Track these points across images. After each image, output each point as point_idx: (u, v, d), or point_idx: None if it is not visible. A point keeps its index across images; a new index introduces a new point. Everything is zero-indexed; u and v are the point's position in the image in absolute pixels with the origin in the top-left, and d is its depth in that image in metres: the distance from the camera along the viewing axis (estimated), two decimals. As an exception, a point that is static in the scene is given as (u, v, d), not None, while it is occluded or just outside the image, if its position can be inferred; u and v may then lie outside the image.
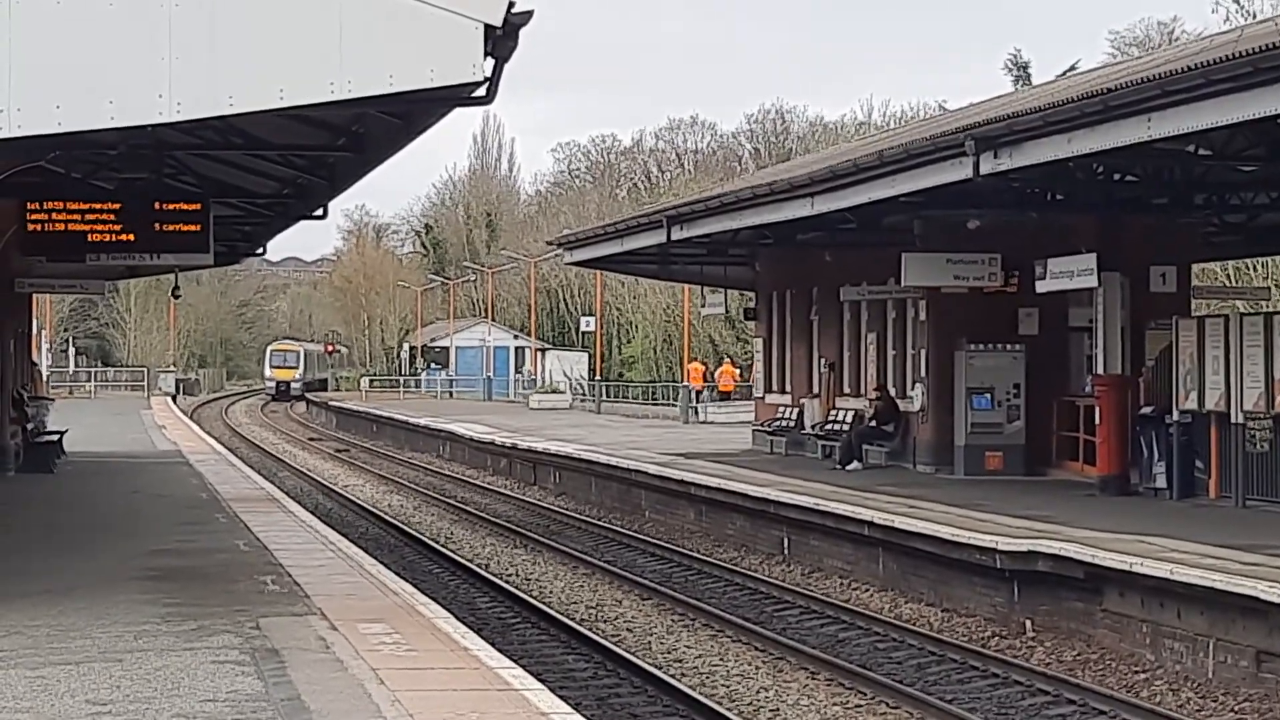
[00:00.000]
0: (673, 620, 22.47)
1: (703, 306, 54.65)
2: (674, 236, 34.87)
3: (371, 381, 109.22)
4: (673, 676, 18.09)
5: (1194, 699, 17.01)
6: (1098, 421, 27.75)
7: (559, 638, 20.79)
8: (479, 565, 27.75)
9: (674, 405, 66.55)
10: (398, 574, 19.13)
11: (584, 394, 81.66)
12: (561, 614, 22.25)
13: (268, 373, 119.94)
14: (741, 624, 21.52)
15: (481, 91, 14.05)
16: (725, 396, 68.19)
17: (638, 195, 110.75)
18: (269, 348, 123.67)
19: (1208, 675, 17.44)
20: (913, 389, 32.91)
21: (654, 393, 76.96)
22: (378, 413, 73.19)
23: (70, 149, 20.38)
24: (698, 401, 66.47)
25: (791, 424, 38.85)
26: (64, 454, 36.74)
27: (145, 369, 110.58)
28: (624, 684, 17.95)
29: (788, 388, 40.22)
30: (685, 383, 68.93)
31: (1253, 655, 16.89)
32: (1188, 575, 17.63)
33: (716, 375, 72.41)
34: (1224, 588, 17.03)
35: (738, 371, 72.72)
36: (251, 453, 57.31)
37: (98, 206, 22.04)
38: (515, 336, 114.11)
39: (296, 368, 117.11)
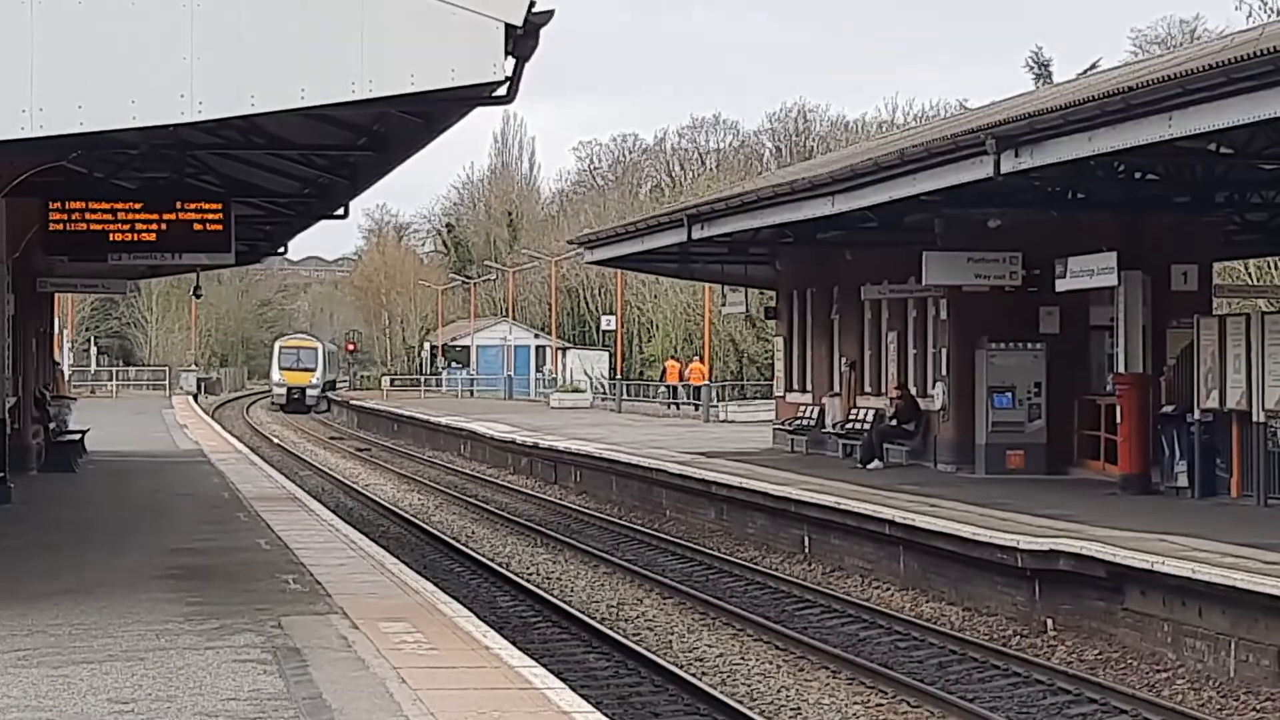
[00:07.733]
0: (694, 619, 22.47)
1: (723, 305, 54.60)
2: (695, 235, 34.85)
3: (393, 380, 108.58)
4: (694, 675, 18.10)
5: (1215, 698, 16.98)
6: (1119, 420, 27.72)
7: (580, 636, 20.80)
8: (500, 564, 27.78)
9: (695, 404, 66.76)
10: (419, 573, 19.13)
11: (605, 393, 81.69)
12: (582, 613, 22.25)
13: (275, 375, 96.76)
14: (762, 623, 21.52)
15: (502, 91, 14.08)
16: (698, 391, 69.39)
17: (659, 194, 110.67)
18: (277, 344, 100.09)
19: (1229, 674, 17.41)
20: (934, 388, 32.88)
21: (674, 391, 77.29)
22: (399, 411, 73.23)
23: (92, 149, 20.42)
24: (674, 398, 67.09)
25: (812, 423, 38.83)
26: (86, 453, 36.83)
27: (167, 368, 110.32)
28: (645, 682, 17.95)
29: (808, 386, 40.20)
30: (692, 382, 70.00)
31: (1275, 654, 16.85)
32: (1209, 574, 17.59)
33: (686, 373, 74.01)
34: (1246, 586, 17.01)
35: (705, 368, 73.98)
36: (273, 452, 57.40)
37: (120, 206, 22.09)
38: (536, 335, 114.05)
39: (313, 369, 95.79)
